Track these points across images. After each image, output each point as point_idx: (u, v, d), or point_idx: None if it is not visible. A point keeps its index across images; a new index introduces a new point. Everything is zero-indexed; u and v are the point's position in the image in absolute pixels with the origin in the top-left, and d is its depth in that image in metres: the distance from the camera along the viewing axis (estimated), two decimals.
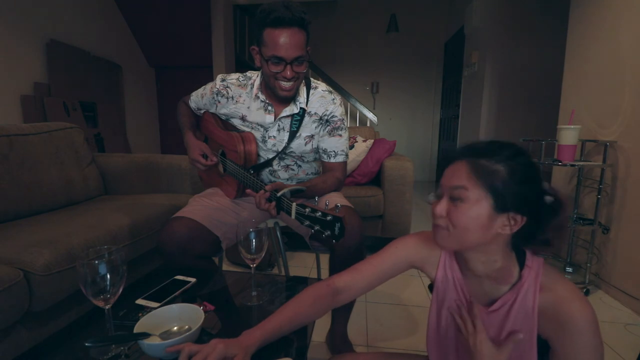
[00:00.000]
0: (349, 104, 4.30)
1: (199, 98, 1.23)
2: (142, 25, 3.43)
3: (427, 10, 4.85)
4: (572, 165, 1.64)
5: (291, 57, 0.97)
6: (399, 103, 5.17)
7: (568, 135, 1.65)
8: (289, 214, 0.83)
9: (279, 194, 0.87)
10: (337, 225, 0.74)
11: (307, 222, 0.78)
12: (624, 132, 1.65)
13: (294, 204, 0.81)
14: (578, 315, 0.50)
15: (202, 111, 1.26)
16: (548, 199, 0.52)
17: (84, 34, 2.84)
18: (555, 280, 0.54)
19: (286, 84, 1.02)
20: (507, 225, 0.52)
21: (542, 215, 0.53)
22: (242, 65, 4.01)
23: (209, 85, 1.19)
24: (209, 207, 1.10)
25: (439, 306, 0.67)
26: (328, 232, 0.75)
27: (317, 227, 0.76)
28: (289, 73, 0.99)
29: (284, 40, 0.94)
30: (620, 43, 1.67)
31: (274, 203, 0.88)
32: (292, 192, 0.90)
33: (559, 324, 0.51)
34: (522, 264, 0.57)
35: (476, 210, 0.52)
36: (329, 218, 0.74)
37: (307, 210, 0.78)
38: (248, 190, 0.96)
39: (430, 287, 0.69)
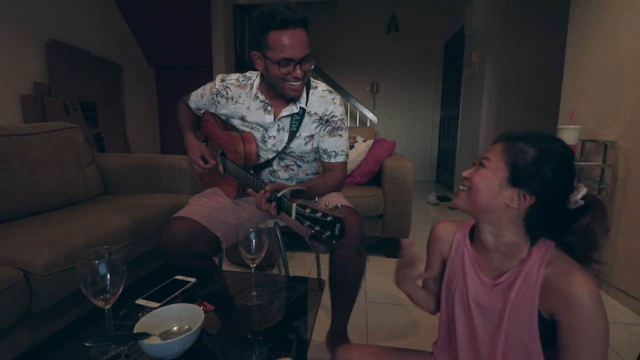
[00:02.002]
0: (349, 104, 4.30)
1: (198, 98, 1.23)
2: (142, 25, 3.43)
3: (427, 10, 4.85)
4: None
5: (300, 56, 0.98)
6: (399, 103, 5.17)
7: (568, 135, 1.65)
8: (289, 214, 0.83)
9: (279, 195, 0.87)
10: (338, 225, 0.74)
11: (308, 223, 0.78)
12: (624, 132, 1.64)
13: (294, 205, 0.81)
14: (580, 287, 0.51)
15: (202, 111, 1.26)
16: (574, 197, 0.56)
17: (84, 34, 2.84)
18: (561, 257, 0.57)
19: (296, 84, 1.03)
20: (516, 200, 0.57)
21: (557, 206, 0.57)
22: (242, 65, 4.01)
23: (208, 86, 1.19)
24: (209, 207, 1.10)
25: (448, 282, 0.71)
26: (328, 233, 0.75)
27: (317, 228, 0.76)
28: (299, 72, 1.00)
29: (292, 41, 0.95)
30: (620, 43, 1.67)
31: (274, 203, 0.88)
32: (292, 193, 0.90)
33: (562, 297, 0.53)
34: (533, 244, 0.60)
35: (490, 177, 0.59)
36: (329, 219, 0.74)
37: (308, 210, 0.78)
38: (249, 190, 0.96)
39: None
